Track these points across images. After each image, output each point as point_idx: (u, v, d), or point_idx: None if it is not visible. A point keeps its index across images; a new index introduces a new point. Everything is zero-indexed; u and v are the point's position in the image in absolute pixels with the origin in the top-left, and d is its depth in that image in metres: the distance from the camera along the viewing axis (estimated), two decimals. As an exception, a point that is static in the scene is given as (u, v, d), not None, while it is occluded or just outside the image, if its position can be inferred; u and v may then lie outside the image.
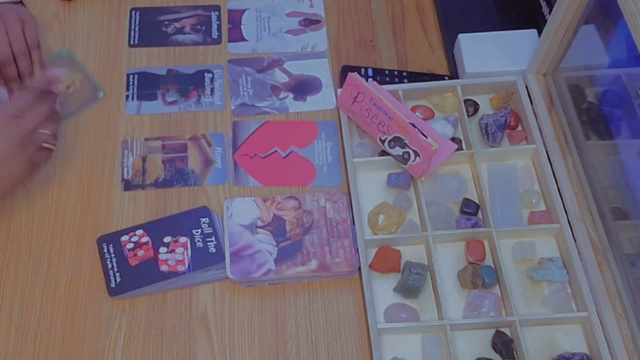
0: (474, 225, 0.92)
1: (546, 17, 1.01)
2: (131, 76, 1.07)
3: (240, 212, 0.93)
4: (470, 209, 0.94)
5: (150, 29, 1.12)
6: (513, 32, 1.06)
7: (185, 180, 0.99)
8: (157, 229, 0.93)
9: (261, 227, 0.92)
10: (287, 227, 0.92)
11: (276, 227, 0.92)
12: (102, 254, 0.92)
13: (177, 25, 1.13)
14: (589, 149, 0.95)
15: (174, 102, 1.05)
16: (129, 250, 0.91)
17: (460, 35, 1.06)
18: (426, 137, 0.90)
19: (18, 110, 0.85)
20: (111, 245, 0.92)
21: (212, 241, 0.92)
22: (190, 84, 1.07)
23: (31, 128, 0.86)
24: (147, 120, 1.03)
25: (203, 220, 0.94)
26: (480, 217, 0.94)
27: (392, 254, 0.91)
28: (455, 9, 1.14)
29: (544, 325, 0.87)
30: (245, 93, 1.06)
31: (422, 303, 0.89)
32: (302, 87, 1.07)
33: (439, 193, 0.96)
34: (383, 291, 0.90)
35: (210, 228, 0.93)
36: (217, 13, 1.14)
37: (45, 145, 0.88)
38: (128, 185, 0.98)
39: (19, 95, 0.86)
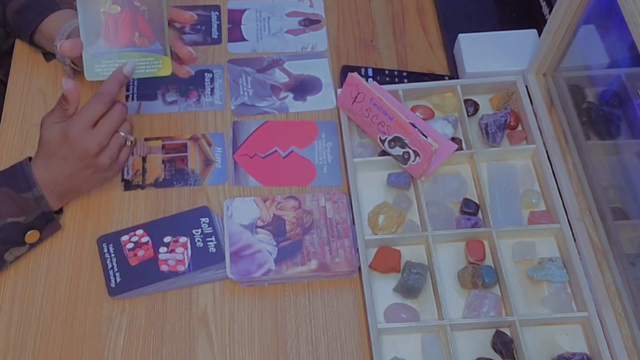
0: (474, 225, 0.92)
1: (546, 17, 1.01)
2: (131, 76, 1.07)
3: (240, 212, 0.93)
4: (470, 209, 0.94)
5: (150, 29, 1.12)
6: (513, 32, 1.06)
7: (185, 180, 0.99)
8: (157, 229, 0.93)
9: (261, 227, 0.92)
10: (287, 227, 0.92)
11: (276, 227, 0.92)
12: (102, 254, 0.92)
13: (177, 25, 1.13)
14: (589, 149, 0.95)
15: (174, 102, 1.05)
16: (129, 250, 0.91)
17: (460, 35, 1.06)
18: (426, 137, 0.90)
19: (93, 120, 0.86)
20: (111, 245, 0.92)
21: (212, 241, 0.92)
22: (190, 83, 1.07)
23: (108, 136, 0.87)
24: (147, 120, 1.03)
25: (203, 220, 0.94)
26: (480, 217, 0.94)
27: (392, 254, 0.91)
28: (455, 9, 1.14)
29: (544, 325, 0.87)
30: (245, 93, 1.06)
31: (422, 303, 0.89)
32: (302, 87, 1.07)
33: (439, 193, 0.96)
34: (383, 291, 0.90)
35: (210, 228, 0.93)
36: (217, 13, 1.14)
37: (126, 144, 0.90)
38: (128, 185, 0.98)
39: (92, 104, 0.86)
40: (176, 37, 0.91)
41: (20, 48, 1.09)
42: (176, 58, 0.92)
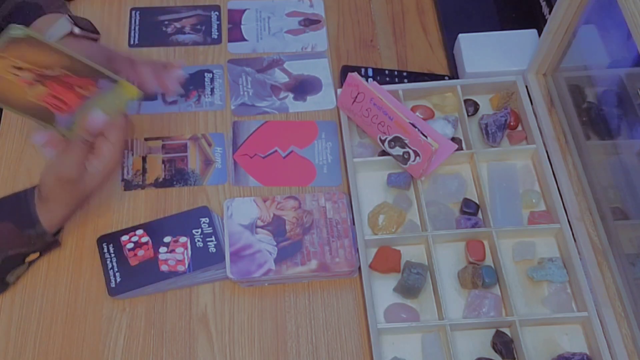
0: (474, 225, 0.92)
1: (546, 17, 1.01)
2: (131, 76, 1.07)
3: (240, 212, 0.93)
4: (470, 209, 0.94)
5: (150, 29, 1.12)
6: (513, 32, 1.06)
7: (185, 180, 0.99)
8: (157, 229, 0.93)
9: (261, 227, 0.92)
10: (287, 227, 0.92)
11: (276, 227, 0.92)
12: (102, 254, 0.92)
13: (177, 25, 1.13)
14: (589, 149, 0.95)
15: (173, 102, 1.05)
16: (129, 250, 0.91)
17: (460, 35, 1.06)
18: (426, 137, 0.90)
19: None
20: (111, 245, 0.92)
21: (212, 241, 0.92)
22: (190, 83, 1.07)
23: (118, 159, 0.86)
24: (147, 120, 1.03)
25: (203, 220, 0.94)
26: (480, 217, 0.94)
27: (392, 254, 0.91)
28: (455, 9, 1.14)
29: (544, 325, 0.87)
30: (245, 93, 1.06)
31: (422, 303, 0.89)
32: (302, 87, 1.07)
33: (439, 193, 0.96)
34: (383, 291, 0.90)
35: (210, 228, 0.93)
36: (217, 13, 1.14)
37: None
38: (128, 185, 0.98)
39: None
40: (150, 72, 0.90)
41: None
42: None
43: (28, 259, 0.89)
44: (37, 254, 0.90)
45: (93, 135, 0.83)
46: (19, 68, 0.79)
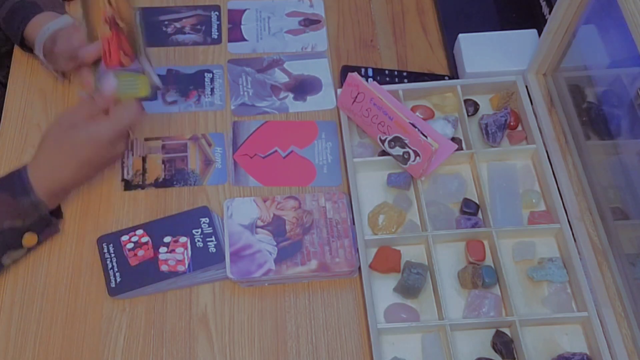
0: (474, 225, 0.92)
1: (546, 17, 1.01)
2: (131, 76, 1.07)
3: (240, 212, 0.93)
4: (470, 209, 0.94)
5: (150, 29, 1.12)
6: (513, 32, 1.06)
7: (185, 180, 0.99)
8: (157, 229, 0.93)
9: (261, 227, 0.92)
10: (287, 227, 0.92)
11: (276, 227, 0.92)
12: (102, 254, 0.92)
13: (177, 25, 1.13)
14: (589, 149, 0.95)
15: (173, 102, 1.05)
16: (129, 250, 0.91)
17: (460, 35, 1.06)
18: (426, 137, 0.90)
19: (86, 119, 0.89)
20: (111, 245, 0.92)
21: (212, 241, 0.92)
22: (190, 84, 1.07)
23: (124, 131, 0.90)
24: (147, 120, 1.03)
25: (203, 220, 0.94)
26: (480, 217, 0.94)
27: (392, 254, 0.91)
28: (455, 9, 1.14)
29: (544, 325, 0.87)
30: (245, 93, 1.06)
31: (422, 303, 0.90)
32: (302, 87, 1.07)
33: (439, 193, 0.96)
34: (383, 291, 0.90)
35: (210, 228, 0.93)
36: (217, 13, 1.14)
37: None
38: (128, 185, 0.98)
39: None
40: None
41: (20, 50, 1.09)
42: None
43: (25, 242, 0.88)
44: (35, 238, 0.89)
45: (103, 100, 0.88)
46: (110, 3, 0.88)
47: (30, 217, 0.87)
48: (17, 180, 0.86)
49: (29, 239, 0.88)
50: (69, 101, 1.05)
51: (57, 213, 0.92)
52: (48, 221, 0.89)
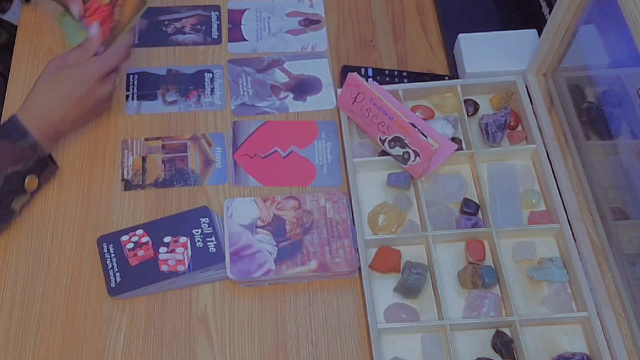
0: (474, 225, 0.92)
1: (546, 17, 1.01)
2: (131, 76, 1.07)
3: (240, 212, 0.93)
4: (470, 209, 0.94)
5: (150, 29, 1.12)
6: (513, 32, 1.06)
7: (185, 180, 0.99)
8: (157, 229, 0.93)
9: (261, 227, 0.92)
10: (287, 227, 0.92)
11: (276, 227, 0.92)
12: (102, 254, 0.92)
13: (177, 25, 1.13)
14: (589, 149, 0.95)
15: (174, 102, 1.05)
16: (129, 250, 0.91)
17: (460, 35, 1.06)
18: (426, 137, 0.90)
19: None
20: (111, 245, 0.92)
21: (212, 241, 0.92)
22: (190, 84, 1.07)
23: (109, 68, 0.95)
24: (147, 120, 1.03)
25: (203, 220, 0.94)
26: (480, 217, 0.94)
27: (392, 254, 0.91)
28: (455, 9, 1.14)
29: (544, 325, 0.87)
30: (245, 93, 1.06)
31: (422, 303, 0.90)
32: (302, 87, 1.07)
33: (439, 193, 0.96)
34: (383, 291, 0.90)
35: (210, 228, 0.93)
36: (217, 13, 1.14)
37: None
38: (128, 185, 0.98)
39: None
40: None
41: (22, 44, 1.10)
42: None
43: (28, 186, 0.91)
44: (36, 181, 0.92)
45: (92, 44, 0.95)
46: None
47: (30, 159, 0.91)
48: (12, 127, 0.90)
49: (30, 182, 0.92)
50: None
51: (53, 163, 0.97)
52: (45, 163, 0.93)
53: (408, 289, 0.88)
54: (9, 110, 1.03)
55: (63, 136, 0.98)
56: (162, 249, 0.91)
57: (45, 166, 0.93)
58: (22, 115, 0.91)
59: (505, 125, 0.98)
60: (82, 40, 0.96)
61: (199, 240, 0.92)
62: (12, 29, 1.16)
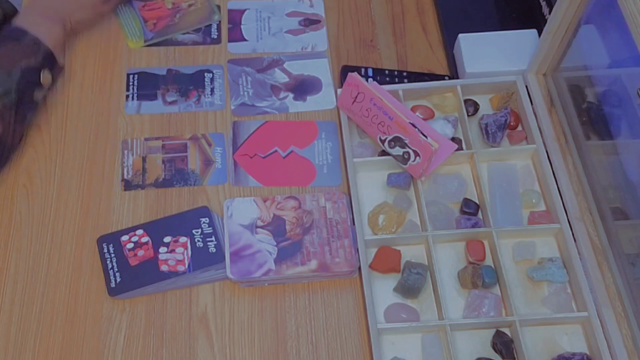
0: (474, 225, 0.92)
1: (546, 17, 1.01)
2: (131, 76, 1.07)
3: (240, 212, 0.93)
4: (470, 209, 0.94)
5: (150, 29, 1.12)
6: (513, 32, 1.06)
7: (185, 180, 0.99)
8: (157, 229, 0.93)
9: (261, 227, 0.92)
10: (287, 227, 0.92)
11: (276, 227, 0.92)
12: (102, 254, 0.92)
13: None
14: (589, 149, 0.95)
15: (174, 102, 1.05)
16: (129, 250, 0.91)
17: (460, 35, 1.06)
18: (426, 137, 0.90)
19: None
20: (111, 245, 0.92)
21: (212, 241, 0.92)
22: (190, 83, 1.07)
23: None
24: (147, 120, 1.03)
25: (203, 220, 0.94)
26: (480, 217, 0.94)
27: (392, 254, 0.91)
28: (455, 9, 1.14)
29: (544, 325, 0.87)
30: (245, 93, 1.06)
31: (422, 303, 0.90)
32: (302, 87, 1.07)
33: (439, 193, 0.96)
34: (383, 291, 0.90)
35: (210, 228, 0.93)
36: (217, 13, 1.14)
37: None
38: (128, 185, 0.98)
39: None
40: None
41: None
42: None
43: (44, 81, 0.97)
44: (49, 76, 0.98)
45: None
46: None
47: (37, 53, 0.96)
48: (12, 28, 0.98)
49: (45, 77, 0.98)
50: (69, 100, 1.05)
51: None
52: (52, 59, 0.99)
53: (408, 289, 0.88)
54: None
55: (72, 24, 1.04)
56: (162, 249, 0.91)
57: (54, 62, 0.99)
58: (21, 17, 0.99)
59: (505, 125, 0.98)
60: (135, 28, 1.04)
61: (199, 240, 0.92)
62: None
